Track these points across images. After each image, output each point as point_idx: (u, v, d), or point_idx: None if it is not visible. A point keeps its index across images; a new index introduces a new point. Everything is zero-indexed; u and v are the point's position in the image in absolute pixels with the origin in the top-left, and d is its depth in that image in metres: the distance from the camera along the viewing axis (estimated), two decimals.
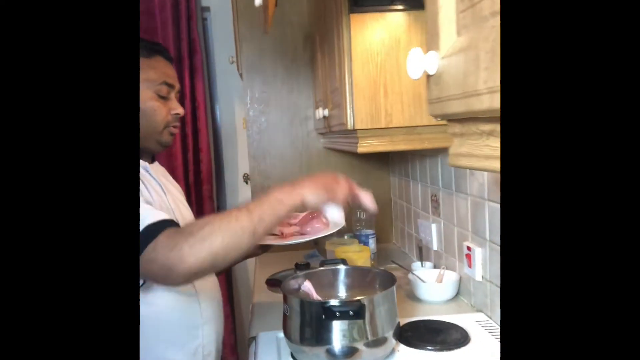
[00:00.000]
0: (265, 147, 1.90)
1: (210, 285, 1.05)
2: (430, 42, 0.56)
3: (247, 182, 2.42)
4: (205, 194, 2.26)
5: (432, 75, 0.56)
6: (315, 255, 1.70)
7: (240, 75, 1.91)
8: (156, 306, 0.92)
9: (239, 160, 2.43)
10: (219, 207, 2.40)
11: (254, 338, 1.12)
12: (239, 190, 2.44)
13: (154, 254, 0.75)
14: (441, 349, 0.96)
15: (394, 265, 1.51)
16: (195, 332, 0.98)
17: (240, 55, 1.87)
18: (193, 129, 2.22)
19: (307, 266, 1.42)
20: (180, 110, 1.01)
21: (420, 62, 0.54)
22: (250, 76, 1.87)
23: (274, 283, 1.42)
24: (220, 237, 0.76)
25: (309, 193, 0.83)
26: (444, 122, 1.17)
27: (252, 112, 1.89)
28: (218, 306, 1.06)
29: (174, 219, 0.84)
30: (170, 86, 0.99)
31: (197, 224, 0.79)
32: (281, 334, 1.04)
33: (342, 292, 1.07)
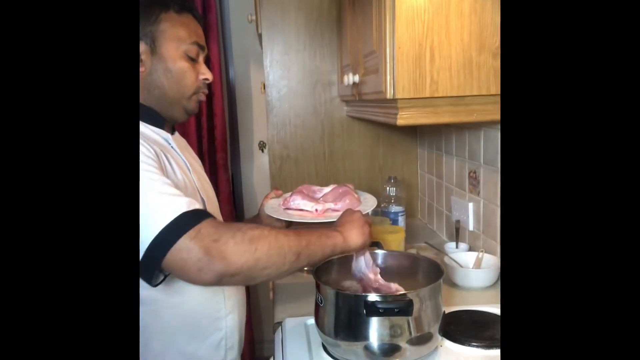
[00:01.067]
0: (285, 114, 1.78)
1: None
2: None
3: (262, 150, 2.31)
4: (219, 162, 2.16)
5: None
6: None
7: (259, 35, 1.77)
8: (179, 296, 0.83)
9: (254, 127, 2.31)
10: (234, 176, 2.30)
11: (280, 324, 1.03)
12: (254, 159, 2.33)
13: (194, 242, 0.67)
14: (489, 346, 0.87)
15: (424, 244, 1.41)
16: (218, 324, 0.90)
17: (259, 13, 1.71)
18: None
19: None
20: (209, 75, 0.90)
21: None
22: (271, 37, 1.73)
23: None
24: (268, 245, 0.71)
25: (354, 237, 0.84)
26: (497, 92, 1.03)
27: (272, 76, 1.75)
28: (242, 295, 0.98)
29: (209, 212, 0.75)
30: (201, 47, 0.89)
31: (246, 225, 0.73)
32: (309, 321, 0.96)
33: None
